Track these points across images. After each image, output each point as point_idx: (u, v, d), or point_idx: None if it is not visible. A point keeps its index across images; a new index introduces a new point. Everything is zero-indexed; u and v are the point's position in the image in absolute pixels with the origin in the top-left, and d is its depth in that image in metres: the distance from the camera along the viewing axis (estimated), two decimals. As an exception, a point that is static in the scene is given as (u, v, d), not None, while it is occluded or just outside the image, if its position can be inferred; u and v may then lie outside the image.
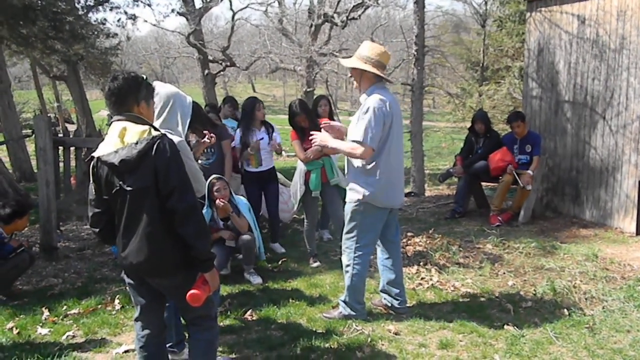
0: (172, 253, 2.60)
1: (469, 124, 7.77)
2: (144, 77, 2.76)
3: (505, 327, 3.85)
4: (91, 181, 2.70)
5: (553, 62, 7.15)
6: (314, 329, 3.92)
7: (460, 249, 5.67)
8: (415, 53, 8.53)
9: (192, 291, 2.60)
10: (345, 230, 4.06)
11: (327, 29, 15.19)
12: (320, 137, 4.06)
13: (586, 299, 4.35)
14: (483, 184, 7.51)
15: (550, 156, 7.22)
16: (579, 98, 6.79)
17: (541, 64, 7.38)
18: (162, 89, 3.21)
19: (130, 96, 2.65)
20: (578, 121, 6.83)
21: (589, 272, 4.92)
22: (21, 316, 4.32)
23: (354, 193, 3.89)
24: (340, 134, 4.40)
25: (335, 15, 13.12)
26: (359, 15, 13.51)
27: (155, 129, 2.62)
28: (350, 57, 4.06)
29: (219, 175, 5.09)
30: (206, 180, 4.86)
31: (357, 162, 3.86)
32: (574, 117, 6.88)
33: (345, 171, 4.07)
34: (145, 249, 2.57)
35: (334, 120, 5.79)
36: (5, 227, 4.85)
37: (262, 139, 5.75)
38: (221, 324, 4.04)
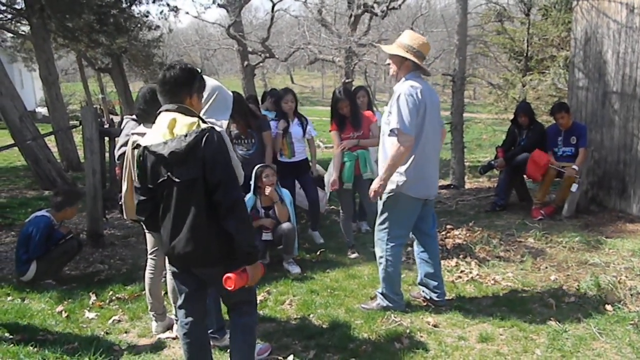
0: (219, 244, 2.61)
1: (511, 115, 7.63)
2: (199, 70, 2.79)
3: (547, 322, 3.79)
4: (135, 169, 2.74)
5: (600, 52, 6.94)
6: (352, 320, 3.95)
7: (501, 242, 5.59)
8: (457, 42, 8.40)
9: (228, 274, 2.59)
10: (377, 221, 4.04)
11: (366, 19, 15.04)
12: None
13: (631, 295, 4.22)
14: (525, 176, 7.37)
15: (596, 149, 7.01)
16: (627, 89, 6.56)
17: (588, 53, 7.16)
18: (207, 81, 3.28)
19: (185, 87, 2.67)
20: (626, 113, 6.61)
21: (635, 267, 4.78)
22: (69, 300, 4.48)
23: (388, 183, 3.84)
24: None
25: (375, 5, 12.95)
26: (399, 5, 13.30)
27: (204, 121, 2.63)
28: (390, 44, 4.02)
29: (266, 164, 5.22)
30: (246, 171, 4.96)
31: (391, 152, 3.77)
32: (622, 108, 6.66)
33: (379, 162, 3.99)
34: (193, 240, 2.60)
35: (372, 110, 5.78)
36: (56, 215, 5.03)
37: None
38: (260, 312, 4.10)
